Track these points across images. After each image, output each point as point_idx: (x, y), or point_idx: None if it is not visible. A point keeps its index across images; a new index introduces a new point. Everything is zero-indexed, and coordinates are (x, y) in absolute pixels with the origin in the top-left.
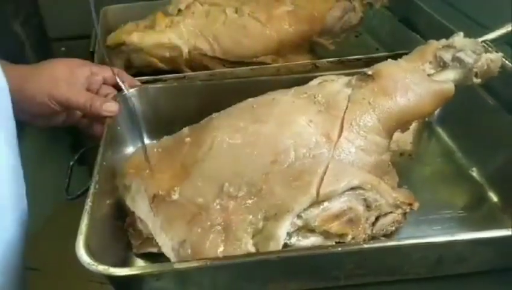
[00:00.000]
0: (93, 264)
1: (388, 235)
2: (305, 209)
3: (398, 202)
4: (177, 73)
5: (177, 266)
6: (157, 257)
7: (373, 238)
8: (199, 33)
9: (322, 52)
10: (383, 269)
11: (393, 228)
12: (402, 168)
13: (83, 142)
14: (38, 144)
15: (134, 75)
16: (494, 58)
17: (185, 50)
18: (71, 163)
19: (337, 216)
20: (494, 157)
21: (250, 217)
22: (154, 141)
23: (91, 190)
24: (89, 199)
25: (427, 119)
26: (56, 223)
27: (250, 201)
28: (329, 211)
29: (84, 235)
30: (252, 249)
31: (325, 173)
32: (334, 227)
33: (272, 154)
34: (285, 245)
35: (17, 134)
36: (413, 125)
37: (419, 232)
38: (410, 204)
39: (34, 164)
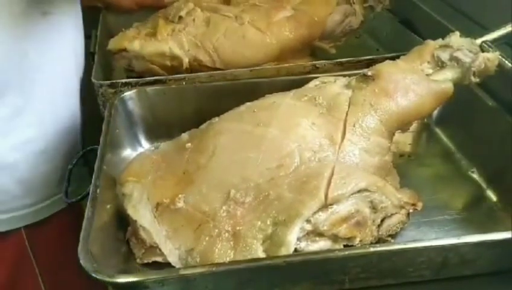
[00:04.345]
0: (98, 272)
1: (392, 236)
2: (313, 214)
3: (402, 203)
4: None
5: (183, 271)
6: (157, 269)
7: (379, 240)
8: (199, 44)
9: (322, 55)
10: (388, 272)
11: (399, 229)
12: (402, 169)
13: (82, 143)
14: None
15: (135, 77)
16: (491, 57)
17: (186, 60)
18: (70, 166)
19: (344, 219)
20: (493, 157)
21: (259, 223)
22: (153, 146)
23: (91, 196)
24: (89, 205)
25: (426, 120)
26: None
27: (258, 207)
28: (337, 215)
29: (86, 242)
30: (263, 256)
31: (331, 176)
32: (343, 230)
33: (277, 159)
34: (295, 250)
35: None
36: (413, 127)
37: (421, 234)
38: (413, 204)
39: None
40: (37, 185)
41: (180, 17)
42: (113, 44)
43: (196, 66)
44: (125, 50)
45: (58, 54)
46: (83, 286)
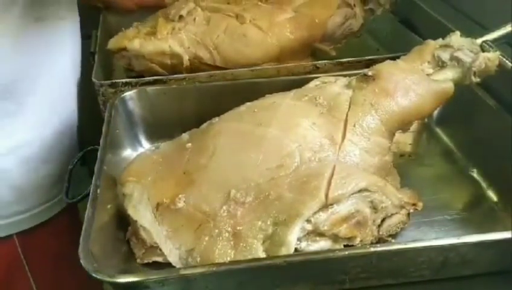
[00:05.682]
0: (98, 271)
1: (392, 236)
2: (314, 214)
3: (403, 203)
4: None
5: (183, 271)
6: (158, 269)
7: (379, 240)
8: (200, 41)
9: (323, 57)
10: (388, 272)
11: (399, 229)
12: (402, 169)
13: (82, 144)
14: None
15: (135, 77)
16: (492, 57)
17: (186, 58)
18: (70, 167)
19: (345, 219)
20: (493, 157)
21: (260, 223)
22: (153, 146)
23: (91, 196)
24: (90, 205)
25: (426, 120)
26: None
27: (258, 207)
28: (337, 215)
29: (86, 242)
30: (263, 256)
31: (332, 176)
32: (343, 230)
33: (278, 159)
34: (295, 250)
35: None
36: (413, 127)
37: (421, 234)
38: (414, 204)
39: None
40: (30, 191)
41: (181, 16)
42: (112, 44)
43: (196, 64)
44: (125, 49)
45: (53, 60)
46: None
